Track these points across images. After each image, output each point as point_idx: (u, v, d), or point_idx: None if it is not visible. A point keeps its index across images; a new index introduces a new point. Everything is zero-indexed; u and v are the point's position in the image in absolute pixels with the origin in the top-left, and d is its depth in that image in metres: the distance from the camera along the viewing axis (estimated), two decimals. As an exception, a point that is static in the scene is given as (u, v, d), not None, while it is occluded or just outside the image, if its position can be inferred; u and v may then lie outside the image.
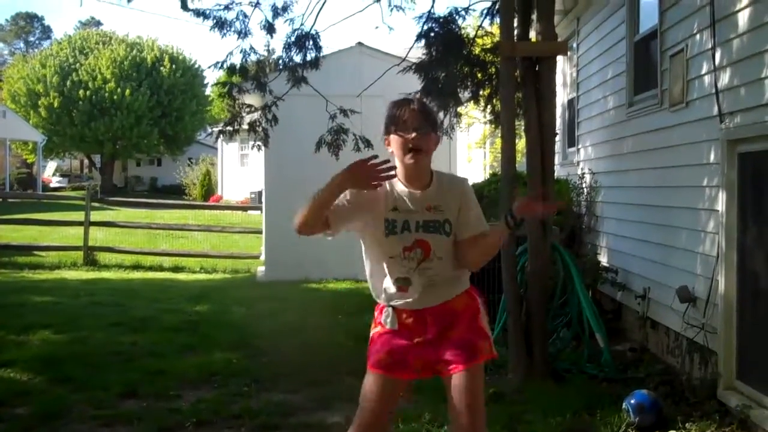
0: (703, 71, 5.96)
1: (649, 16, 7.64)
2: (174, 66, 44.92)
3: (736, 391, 5.33)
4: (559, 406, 5.40)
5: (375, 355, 3.31)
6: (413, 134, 3.18)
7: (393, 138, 3.24)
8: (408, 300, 3.26)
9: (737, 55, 5.39)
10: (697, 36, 6.10)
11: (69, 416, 5.34)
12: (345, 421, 4.69)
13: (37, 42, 76.56)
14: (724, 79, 5.57)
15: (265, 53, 9.14)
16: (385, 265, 3.27)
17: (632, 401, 5.26)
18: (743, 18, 5.30)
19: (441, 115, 8.48)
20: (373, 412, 3.28)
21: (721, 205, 5.47)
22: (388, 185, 3.26)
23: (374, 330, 3.38)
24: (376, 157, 3.07)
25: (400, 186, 3.27)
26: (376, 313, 3.40)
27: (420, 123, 3.20)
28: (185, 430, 5.10)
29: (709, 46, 5.73)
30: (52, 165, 53.82)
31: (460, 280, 3.34)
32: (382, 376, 3.27)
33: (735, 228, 5.35)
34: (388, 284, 3.28)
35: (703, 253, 5.95)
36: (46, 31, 78.76)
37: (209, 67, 9.80)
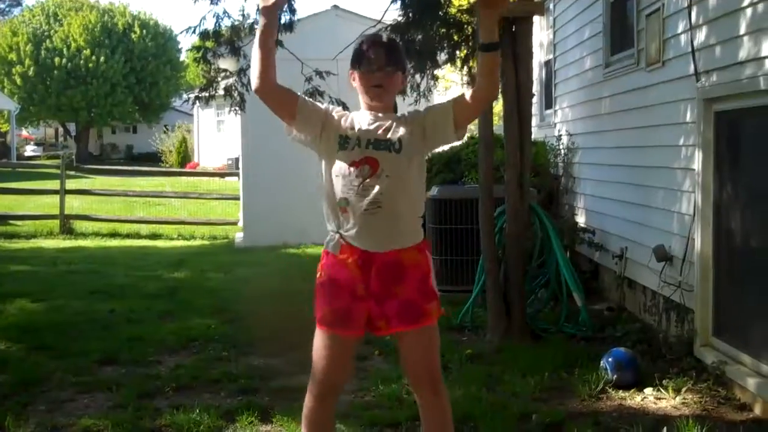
0: (680, 30, 5.95)
1: (625, -24, 7.62)
2: (145, 32, 44.36)
3: (712, 347, 5.38)
4: (537, 366, 5.45)
5: (320, 311, 3.26)
6: (377, 72, 3.19)
7: (358, 74, 3.24)
8: (352, 224, 3.15)
9: (713, 14, 5.38)
10: (674, -6, 6.09)
11: (48, 383, 5.31)
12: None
13: (7, 9, 75.20)
14: (701, 37, 5.56)
15: (240, 18, 9.01)
16: (333, 185, 3.19)
17: (610, 359, 5.30)
18: (719, -25, 5.29)
19: (418, 77, 8.43)
20: (326, 372, 3.24)
21: (697, 164, 5.49)
22: (351, 113, 3.29)
23: (318, 276, 3.30)
24: None
25: (359, 112, 3.28)
26: (322, 254, 3.32)
27: (385, 61, 3.20)
28: (165, 395, 5.09)
29: (686, 4, 5.71)
30: (23, 133, 53.18)
31: (408, 222, 3.24)
32: (329, 334, 3.23)
33: (711, 187, 5.38)
34: (335, 208, 3.21)
35: (679, 212, 5.99)
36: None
37: (181, 33, 9.67)
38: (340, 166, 3.17)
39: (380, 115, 3.23)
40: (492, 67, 3.17)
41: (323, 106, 3.32)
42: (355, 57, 3.26)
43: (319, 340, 3.27)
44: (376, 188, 3.11)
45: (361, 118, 3.24)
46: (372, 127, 3.20)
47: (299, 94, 3.31)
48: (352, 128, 3.21)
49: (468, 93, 3.22)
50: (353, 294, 3.18)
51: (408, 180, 3.19)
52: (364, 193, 3.11)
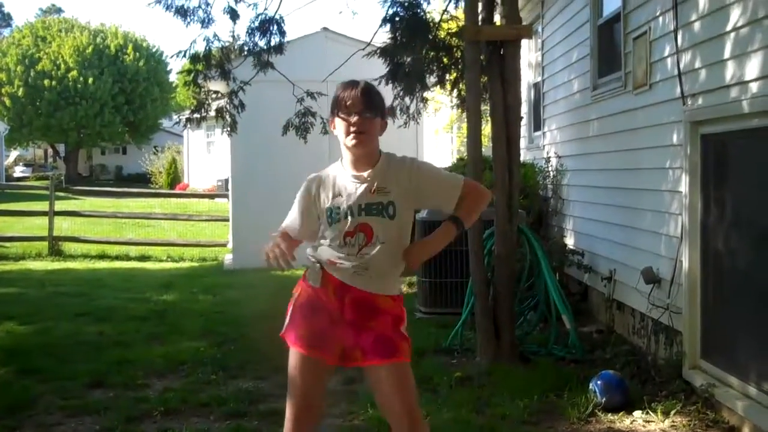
0: (666, 53, 6.00)
1: (612, 0, 7.68)
2: (137, 53, 44.46)
3: (700, 370, 5.39)
4: (526, 388, 5.44)
5: (296, 330, 3.26)
6: (355, 117, 3.16)
7: (336, 120, 3.22)
8: (335, 272, 3.21)
9: (699, 37, 5.43)
10: (660, 18, 6.14)
11: (36, 407, 5.29)
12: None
13: (-4, 30, 75.29)
14: (687, 61, 5.61)
15: (230, 39, 9.06)
16: (328, 249, 3.23)
17: (599, 382, 5.30)
18: (704, 0, 5.33)
19: (407, 100, 8.47)
20: (304, 394, 3.25)
21: (684, 187, 5.52)
22: (332, 173, 3.27)
23: (294, 296, 3.34)
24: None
25: (343, 173, 3.25)
26: (299, 281, 3.37)
27: (364, 106, 3.17)
28: (153, 419, 5.07)
29: (672, 28, 5.76)
30: (13, 154, 53.09)
31: (393, 278, 3.28)
32: (304, 355, 3.23)
33: (698, 209, 5.40)
34: (324, 252, 3.25)
35: (667, 234, 6.01)
36: (6, 19, 77.43)
37: (172, 56, 9.67)
38: (334, 236, 3.21)
39: (364, 174, 3.20)
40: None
41: (306, 193, 3.32)
42: (333, 104, 3.24)
43: (294, 360, 3.28)
44: (369, 256, 3.16)
45: (346, 182, 3.22)
46: (360, 191, 3.19)
47: (296, 222, 3.37)
48: (339, 195, 3.21)
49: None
50: (330, 318, 3.21)
51: (399, 241, 3.23)
52: (357, 259, 3.17)
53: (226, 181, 19.56)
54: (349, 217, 3.17)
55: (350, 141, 3.17)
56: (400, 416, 3.20)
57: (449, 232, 3.24)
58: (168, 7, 7.86)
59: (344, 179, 3.23)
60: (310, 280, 3.27)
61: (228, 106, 8.73)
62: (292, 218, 3.38)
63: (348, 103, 3.17)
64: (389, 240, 3.18)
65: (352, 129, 3.16)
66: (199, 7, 7.96)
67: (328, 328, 3.21)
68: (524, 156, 10.67)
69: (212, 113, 9.16)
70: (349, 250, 3.17)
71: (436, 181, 3.28)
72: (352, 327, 3.19)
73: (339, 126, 3.21)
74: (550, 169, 9.79)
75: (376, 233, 3.16)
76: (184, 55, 8.18)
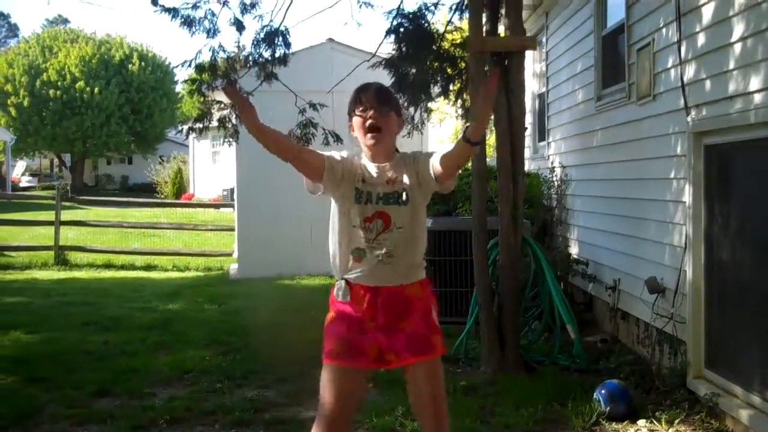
0: (670, 64, 6.03)
1: (616, 11, 7.73)
2: (143, 63, 44.60)
3: (704, 379, 5.40)
4: (531, 398, 5.46)
5: (328, 346, 3.31)
6: (371, 112, 3.26)
7: (354, 120, 3.33)
8: (362, 270, 3.28)
9: (702, 49, 5.46)
10: (663, 30, 6.17)
11: (42, 416, 5.31)
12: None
13: (3, 41, 75.61)
14: (690, 72, 5.64)
15: (235, 50, 9.09)
16: (346, 235, 3.31)
17: (603, 391, 5.31)
18: (708, 12, 5.37)
19: (412, 110, 8.50)
20: (334, 407, 3.26)
21: (688, 197, 5.54)
22: (357, 158, 3.37)
23: (328, 317, 3.39)
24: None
25: (365, 161, 3.36)
26: (330, 297, 3.40)
27: (379, 102, 3.29)
28: (158, 427, 5.10)
29: (675, 39, 5.79)
30: (21, 165, 53.26)
31: (416, 266, 3.37)
32: (337, 366, 3.27)
33: (702, 219, 5.43)
34: (346, 255, 3.32)
35: (671, 244, 6.03)
36: (13, 30, 77.88)
37: (177, 66, 9.70)
38: (354, 220, 3.29)
39: (383, 165, 3.32)
40: (469, 157, 3.40)
41: (340, 158, 3.34)
42: (350, 105, 3.35)
43: (325, 374, 3.31)
44: (390, 241, 3.27)
45: (369, 169, 3.33)
46: (380, 180, 3.30)
47: (324, 154, 3.34)
48: (363, 180, 3.31)
49: (438, 159, 3.24)
50: (361, 328, 3.27)
51: (415, 228, 3.34)
52: (378, 246, 3.27)
53: (232, 190, 19.60)
54: (370, 204, 3.29)
55: (369, 139, 3.29)
56: (427, 410, 3.34)
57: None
58: (174, 16, 7.91)
59: (369, 168, 3.34)
60: (339, 297, 3.33)
61: (231, 115, 8.77)
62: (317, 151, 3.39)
63: (364, 100, 3.29)
64: (405, 224, 3.29)
65: (368, 123, 3.26)
66: (205, 17, 8.01)
67: (359, 335, 3.27)
68: (529, 166, 10.69)
69: (215, 123, 9.20)
70: (368, 234, 3.28)
71: (424, 156, 3.35)
72: (384, 331, 3.27)
73: (357, 125, 3.32)
74: (554, 179, 9.82)
75: (393, 220, 3.28)
76: (190, 65, 8.22)
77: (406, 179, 3.31)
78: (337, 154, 3.38)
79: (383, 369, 3.42)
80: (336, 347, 3.28)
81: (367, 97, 3.29)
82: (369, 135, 3.28)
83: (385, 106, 3.30)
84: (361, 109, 3.29)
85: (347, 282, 3.31)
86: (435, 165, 3.24)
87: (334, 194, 3.35)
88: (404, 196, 3.29)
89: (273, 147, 3.25)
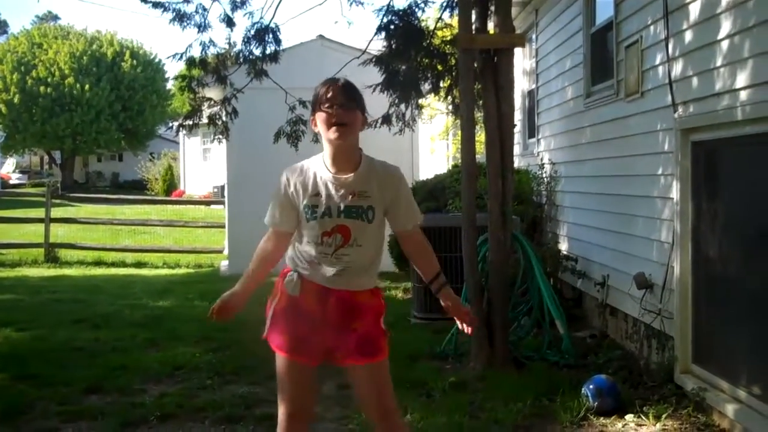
0: (657, 62, 6.07)
1: (604, 8, 7.76)
2: (135, 61, 44.47)
3: (692, 374, 5.44)
4: (520, 393, 5.49)
5: (279, 336, 3.32)
6: (336, 109, 3.18)
7: (318, 115, 3.24)
8: (315, 275, 3.26)
9: (690, 46, 5.49)
10: (651, 27, 6.21)
11: (32, 413, 5.32)
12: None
13: (-8, 37, 75.28)
14: (678, 69, 5.67)
15: (226, 46, 9.11)
16: (305, 245, 3.29)
17: (591, 386, 5.35)
18: (695, 9, 5.40)
19: (402, 107, 8.53)
20: (293, 398, 3.33)
21: (675, 193, 5.58)
22: (312, 171, 3.29)
23: (274, 300, 3.37)
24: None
25: (324, 171, 3.27)
26: (278, 280, 3.39)
27: (345, 98, 3.21)
28: (149, 423, 5.10)
29: (663, 36, 5.83)
30: (11, 161, 53.09)
31: (370, 275, 3.35)
32: (289, 360, 3.30)
33: (689, 215, 5.46)
34: (296, 255, 3.33)
35: (658, 240, 6.07)
36: (2, 26, 77.48)
37: (168, 58, 9.74)
38: (311, 234, 3.25)
39: (347, 176, 3.23)
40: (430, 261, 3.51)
41: (284, 187, 3.33)
42: (314, 100, 3.28)
43: (281, 365, 3.35)
44: (348, 257, 3.22)
45: (326, 181, 3.24)
46: (341, 192, 3.22)
47: (277, 220, 3.39)
48: (318, 194, 3.23)
49: (403, 229, 3.39)
50: (312, 323, 3.26)
51: (377, 243, 3.33)
52: (335, 261, 3.23)
53: (222, 187, 19.60)
54: (327, 218, 3.21)
55: (332, 134, 3.18)
56: (376, 412, 3.36)
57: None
58: (165, 10, 7.92)
59: (325, 178, 3.26)
60: (288, 290, 3.30)
61: (221, 112, 8.79)
62: (272, 212, 3.40)
63: (329, 96, 3.21)
64: (365, 242, 3.24)
65: (333, 120, 3.18)
66: (196, 12, 8.02)
67: (310, 332, 3.26)
68: (519, 162, 10.73)
69: (205, 120, 9.21)
70: (325, 249, 3.23)
71: (404, 208, 3.35)
72: (335, 329, 3.25)
73: (320, 120, 3.23)
74: (544, 175, 9.85)
75: (354, 235, 3.21)
76: (180, 58, 8.24)
77: (374, 194, 3.24)
78: (282, 180, 3.34)
79: (333, 365, 3.41)
80: (290, 341, 3.29)
81: (333, 93, 3.21)
82: (332, 129, 3.18)
83: (351, 102, 3.22)
84: (327, 105, 3.20)
85: (299, 275, 3.29)
86: (400, 228, 3.36)
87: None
88: (370, 214, 3.22)
89: (267, 271, 3.44)
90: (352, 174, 3.24)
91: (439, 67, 8.46)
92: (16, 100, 41.34)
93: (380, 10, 8.01)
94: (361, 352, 3.26)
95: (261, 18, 8.27)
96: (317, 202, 3.22)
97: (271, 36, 8.17)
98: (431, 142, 22.00)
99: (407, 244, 3.45)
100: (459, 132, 6.99)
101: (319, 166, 3.29)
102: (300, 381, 3.33)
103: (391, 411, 3.36)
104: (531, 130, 11.22)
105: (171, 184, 38.36)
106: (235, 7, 8.13)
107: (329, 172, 3.25)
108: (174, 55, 8.22)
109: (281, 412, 3.36)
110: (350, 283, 3.26)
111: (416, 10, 8.07)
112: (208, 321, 3.41)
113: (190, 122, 8.97)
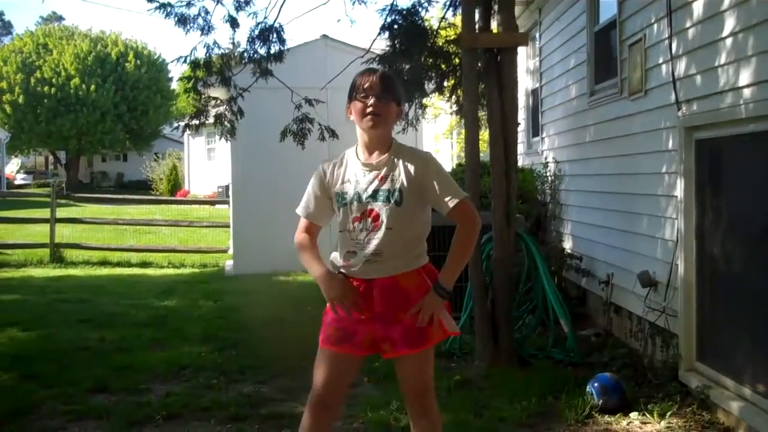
0: (661, 60, 6.07)
1: (608, 7, 7.76)
2: (139, 61, 44.53)
3: (696, 372, 5.45)
4: (524, 391, 5.50)
5: (324, 331, 3.37)
6: (372, 99, 3.24)
7: (354, 104, 3.31)
8: (353, 267, 3.30)
9: (693, 44, 5.50)
10: (655, 25, 6.21)
11: (39, 412, 5.34)
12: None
13: (-3, 38, 75.42)
14: (681, 67, 5.68)
15: (230, 46, 9.12)
16: (340, 237, 3.35)
17: (595, 384, 5.36)
18: (698, 7, 5.41)
19: (406, 106, 8.53)
20: (325, 390, 3.33)
21: (679, 191, 5.58)
22: (345, 160, 3.37)
23: (327, 306, 3.42)
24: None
25: (354, 158, 3.35)
26: None
27: (381, 90, 3.26)
28: (155, 423, 5.12)
29: (666, 35, 5.83)
30: (15, 162, 53.16)
31: (412, 255, 3.33)
32: (330, 351, 3.33)
33: (693, 213, 5.47)
34: (341, 255, 3.36)
35: (663, 238, 6.07)
36: (7, 27, 77.70)
37: (172, 62, 9.72)
38: (343, 222, 3.31)
39: (376, 160, 3.29)
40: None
41: (320, 178, 3.40)
42: (351, 89, 3.34)
43: (318, 357, 3.38)
44: (378, 240, 3.24)
45: (356, 169, 3.32)
46: (368, 177, 3.28)
47: (311, 211, 3.44)
48: (348, 181, 3.31)
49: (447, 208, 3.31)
50: (357, 318, 3.28)
51: (409, 227, 3.31)
52: (367, 246, 3.25)
53: (227, 187, 19.62)
54: (355, 203, 3.27)
55: (366, 123, 3.26)
56: (413, 400, 3.43)
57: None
58: (168, 15, 7.93)
59: (355, 166, 3.33)
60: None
61: (227, 112, 8.80)
62: (305, 203, 3.46)
63: (366, 86, 3.27)
64: (397, 226, 3.24)
65: (368, 110, 3.25)
66: (199, 15, 8.02)
67: (354, 324, 3.29)
68: (523, 161, 10.74)
69: (211, 120, 9.22)
70: (358, 235, 3.26)
71: (441, 186, 3.31)
72: (381, 320, 3.27)
73: (355, 109, 3.30)
74: (548, 174, 9.85)
75: (382, 218, 3.23)
76: (185, 61, 8.24)
77: (401, 177, 3.26)
78: (319, 170, 3.41)
79: (382, 357, 3.41)
80: (330, 333, 3.33)
81: (371, 83, 3.27)
82: (367, 119, 3.25)
83: (386, 93, 3.27)
84: (362, 95, 3.26)
85: (343, 275, 3.34)
86: (443, 210, 3.32)
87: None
88: (397, 196, 3.24)
89: (316, 250, 3.43)
90: (379, 159, 3.30)
91: (443, 67, 8.47)
92: (21, 100, 41.41)
93: (384, 9, 8.03)
94: (408, 342, 3.28)
95: (265, 18, 8.31)
96: (347, 189, 3.30)
97: (275, 35, 8.18)
98: (435, 142, 22.01)
99: (457, 223, 3.39)
100: (463, 131, 6.99)
101: (351, 157, 3.38)
102: (336, 373, 3.34)
103: (427, 404, 3.41)
104: (535, 129, 11.22)
105: (176, 183, 38.38)
106: (239, 8, 8.14)
107: (359, 160, 3.33)
108: (178, 59, 8.21)
109: (309, 405, 3.37)
110: (387, 267, 3.26)
111: (419, 9, 8.07)
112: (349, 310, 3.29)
113: (197, 122, 8.98)
